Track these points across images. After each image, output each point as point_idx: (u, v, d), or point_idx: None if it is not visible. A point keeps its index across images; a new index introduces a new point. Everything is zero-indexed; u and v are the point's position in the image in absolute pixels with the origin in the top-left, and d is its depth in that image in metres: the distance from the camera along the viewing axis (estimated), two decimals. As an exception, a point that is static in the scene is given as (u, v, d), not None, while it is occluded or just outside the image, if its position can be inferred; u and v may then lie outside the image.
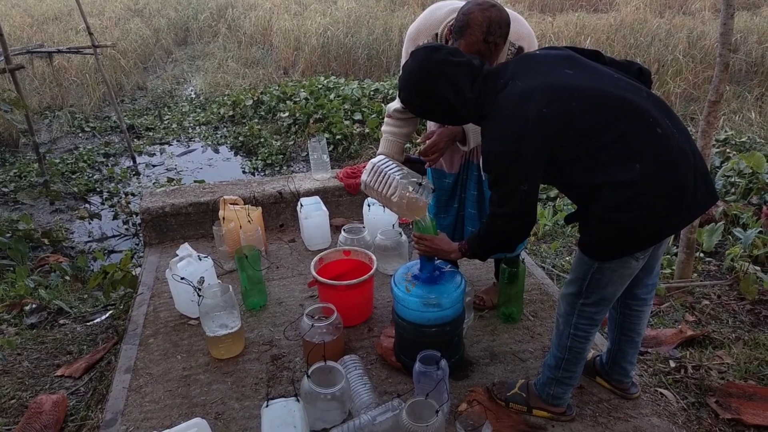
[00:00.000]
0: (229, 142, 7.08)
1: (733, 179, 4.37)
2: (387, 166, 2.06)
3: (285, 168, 6.29)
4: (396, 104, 2.23)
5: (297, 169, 6.29)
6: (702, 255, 3.51)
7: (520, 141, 1.57)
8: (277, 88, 8.02)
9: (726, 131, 5.61)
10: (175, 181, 5.85)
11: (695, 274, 3.25)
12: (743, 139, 5.24)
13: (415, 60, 1.77)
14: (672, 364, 2.46)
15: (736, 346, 2.59)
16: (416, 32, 2.16)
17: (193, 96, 9.02)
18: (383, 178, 2.03)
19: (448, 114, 1.81)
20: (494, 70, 1.73)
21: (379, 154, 2.23)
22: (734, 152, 4.89)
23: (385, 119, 2.32)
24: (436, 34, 2.12)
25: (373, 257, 2.63)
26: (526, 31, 2.06)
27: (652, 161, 1.53)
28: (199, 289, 2.34)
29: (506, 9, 1.91)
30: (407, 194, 1.96)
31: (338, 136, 6.38)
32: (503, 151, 1.61)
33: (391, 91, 7.25)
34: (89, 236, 4.90)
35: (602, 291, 1.73)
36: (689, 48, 7.88)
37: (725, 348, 2.58)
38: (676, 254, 3.27)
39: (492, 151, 1.65)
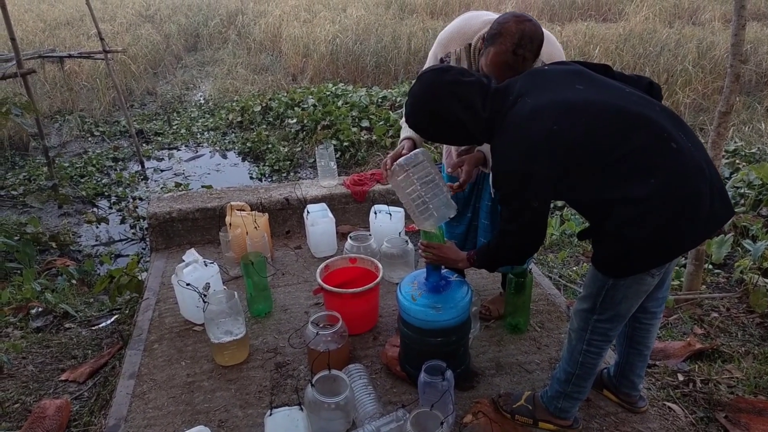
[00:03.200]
0: (237, 147, 7.11)
1: (742, 190, 4.33)
2: (430, 178, 1.92)
3: (292, 174, 6.30)
4: None
5: (304, 175, 6.30)
6: (711, 267, 3.47)
7: (530, 160, 1.54)
8: (285, 94, 8.06)
9: (735, 142, 5.57)
10: (182, 187, 5.87)
11: (704, 286, 3.22)
12: (753, 150, 5.20)
13: (423, 83, 1.72)
14: (680, 377, 2.43)
15: (745, 360, 2.55)
16: (448, 38, 2.12)
17: (202, 101, 9.08)
18: (421, 184, 1.91)
19: (460, 135, 1.77)
20: (502, 86, 1.69)
21: (403, 139, 2.14)
22: (744, 163, 4.85)
23: None
24: (469, 45, 2.07)
25: (379, 265, 2.62)
26: (558, 53, 2.04)
27: (666, 176, 1.49)
28: (205, 295, 2.34)
29: (543, 28, 1.87)
30: (433, 225, 1.94)
31: (346, 143, 6.39)
32: (514, 171, 1.58)
33: (398, 99, 7.26)
34: (96, 240, 4.93)
35: (617, 307, 1.70)
36: (699, 58, 7.86)
37: (734, 362, 2.55)
38: (684, 266, 3.24)
39: (502, 170, 1.63)
